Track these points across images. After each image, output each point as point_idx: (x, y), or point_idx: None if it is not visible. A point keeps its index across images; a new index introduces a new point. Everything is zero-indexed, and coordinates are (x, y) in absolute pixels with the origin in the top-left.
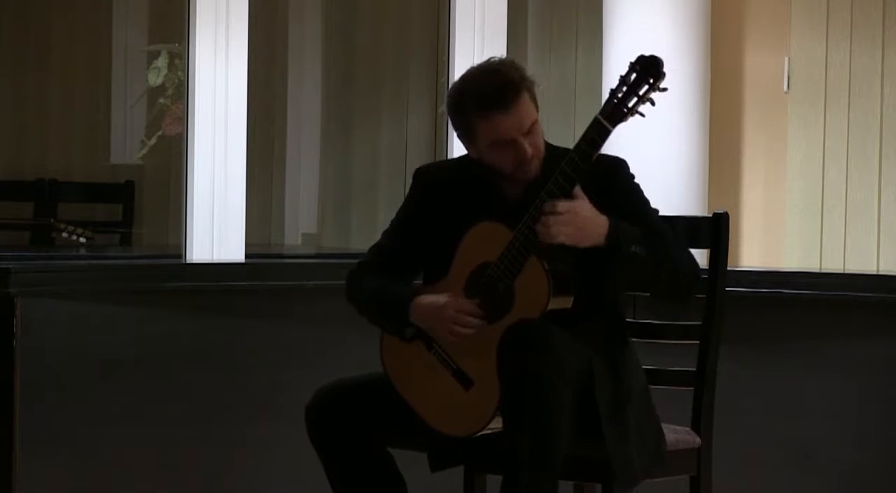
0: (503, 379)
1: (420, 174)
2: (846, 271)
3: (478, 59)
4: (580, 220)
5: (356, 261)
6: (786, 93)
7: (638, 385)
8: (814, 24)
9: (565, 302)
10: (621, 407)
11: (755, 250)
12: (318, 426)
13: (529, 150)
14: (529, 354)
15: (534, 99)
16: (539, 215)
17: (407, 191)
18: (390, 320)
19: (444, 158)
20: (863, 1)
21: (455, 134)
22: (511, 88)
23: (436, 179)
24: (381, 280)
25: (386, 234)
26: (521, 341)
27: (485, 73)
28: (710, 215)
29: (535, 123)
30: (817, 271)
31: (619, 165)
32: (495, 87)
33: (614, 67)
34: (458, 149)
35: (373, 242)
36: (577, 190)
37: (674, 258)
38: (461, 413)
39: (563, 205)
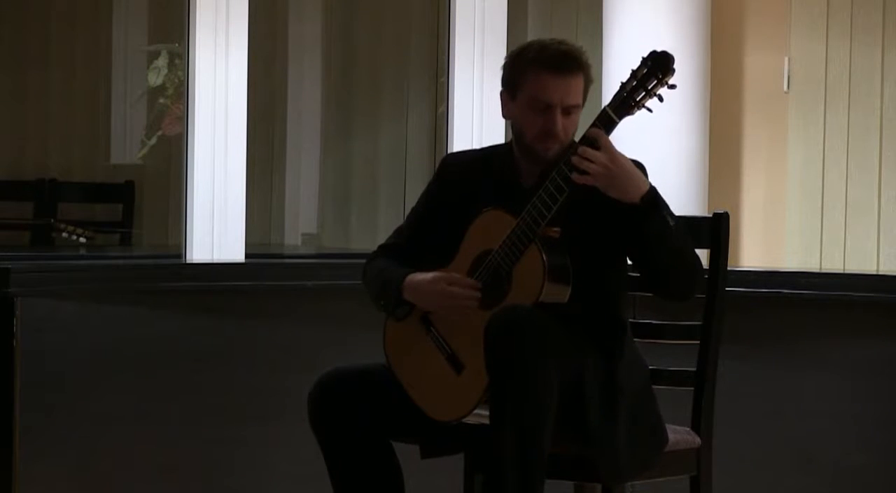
0: (487, 360)
1: (445, 161)
2: (846, 271)
3: (478, 60)
4: (615, 166)
5: (357, 260)
6: (786, 93)
7: (634, 385)
8: (814, 24)
9: (562, 294)
10: (611, 405)
11: (755, 250)
12: (319, 412)
13: (560, 125)
14: (513, 335)
15: (586, 91)
16: (541, 208)
17: (408, 189)
18: (384, 298)
19: (472, 148)
20: (863, 1)
21: (499, 91)
22: (574, 60)
23: (458, 167)
24: (390, 261)
25: (407, 217)
26: (505, 323)
27: (556, 41)
28: (710, 215)
29: (577, 107)
30: (817, 271)
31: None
32: (561, 51)
33: (614, 67)
34: (457, 150)
35: (372, 242)
36: (608, 143)
37: (693, 249)
38: (449, 397)
39: (605, 140)
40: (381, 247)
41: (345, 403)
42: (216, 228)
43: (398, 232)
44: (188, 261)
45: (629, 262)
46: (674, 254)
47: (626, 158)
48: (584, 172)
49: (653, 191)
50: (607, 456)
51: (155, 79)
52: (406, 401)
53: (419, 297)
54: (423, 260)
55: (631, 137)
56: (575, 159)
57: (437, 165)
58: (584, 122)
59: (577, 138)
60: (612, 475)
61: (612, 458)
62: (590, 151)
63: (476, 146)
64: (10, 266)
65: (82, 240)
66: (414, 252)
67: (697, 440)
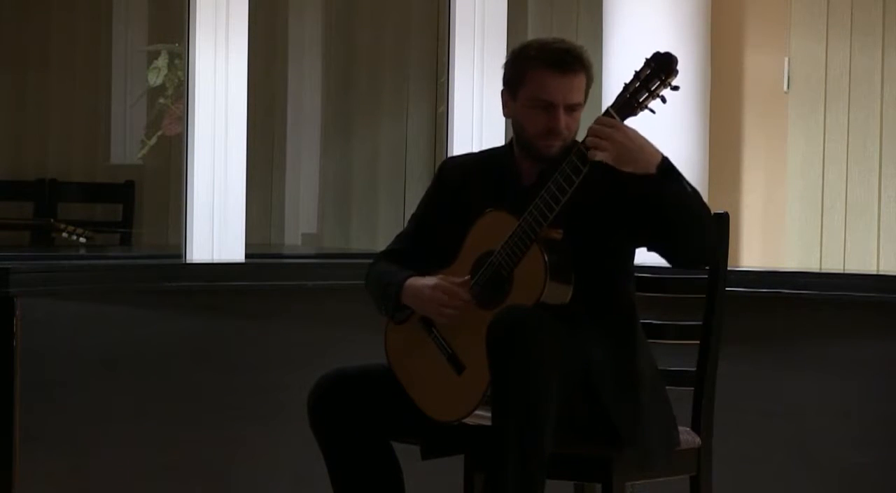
0: (489, 361)
1: (443, 165)
2: (846, 271)
3: (478, 60)
4: (627, 141)
5: (357, 260)
6: (786, 93)
7: (647, 373)
8: (814, 24)
9: (563, 295)
10: (630, 388)
11: (755, 250)
12: (319, 413)
13: (563, 123)
14: (514, 336)
15: (587, 90)
16: (543, 209)
17: (408, 189)
18: (384, 301)
19: (470, 152)
20: (863, 1)
21: (499, 91)
22: (576, 59)
23: (457, 170)
24: (391, 265)
25: (408, 222)
26: (506, 324)
27: (558, 40)
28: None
29: (579, 105)
30: (817, 271)
31: None
32: (562, 50)
33: (614, 68)
34: (457, 150)
35: (372, 242)
36: (618, 121)
37: (709, 212)
38: (450, 398)
39: (610, 121)
40: (383, 253)
41: (345, 403)
42: (216, 228)
43: (399, 238)
44: (188, 261)
45: (643, 247)
46: (695, 218)
47: (637, 133)
48: (586, 165)
49: (667, 160)
50: (637, 444)
51: (155, 79)
52: (406, 401)
53: (418, 302)
54: (426, 264)
55: None
56: (589, 140)
57: (436, 167)
58: (584, 124)
59: (579, 138)
60: (643, 461)
61: (641, 446)
62: (600, 129)
63: (476, 146)
64: (10, 266)
65: (82, 240)
66: (416, 257)
67: (697, 440)
